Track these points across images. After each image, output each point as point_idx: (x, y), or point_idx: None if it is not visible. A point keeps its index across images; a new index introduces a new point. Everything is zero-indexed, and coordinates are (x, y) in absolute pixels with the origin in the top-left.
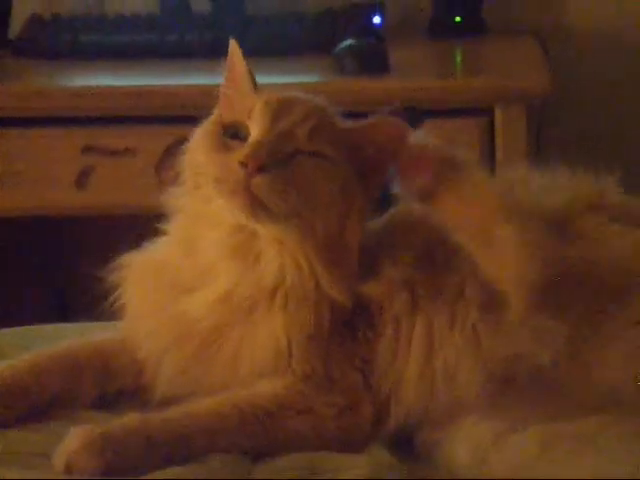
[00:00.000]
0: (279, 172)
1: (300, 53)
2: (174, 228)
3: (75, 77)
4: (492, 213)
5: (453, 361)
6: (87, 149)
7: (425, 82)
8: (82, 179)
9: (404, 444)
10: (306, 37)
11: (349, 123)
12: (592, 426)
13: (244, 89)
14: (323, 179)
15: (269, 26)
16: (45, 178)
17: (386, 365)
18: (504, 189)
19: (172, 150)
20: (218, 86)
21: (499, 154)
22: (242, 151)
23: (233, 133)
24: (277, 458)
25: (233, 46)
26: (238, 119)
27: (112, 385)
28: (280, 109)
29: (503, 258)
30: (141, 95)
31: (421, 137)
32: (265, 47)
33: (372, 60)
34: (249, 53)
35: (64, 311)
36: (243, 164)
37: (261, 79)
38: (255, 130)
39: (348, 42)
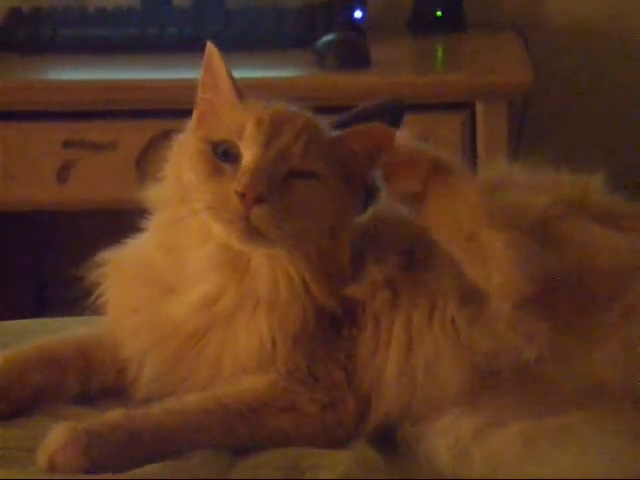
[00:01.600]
0: (276, 200)
1: (281, 47)
2: (155, 226)
3: (56, 71)
4: (477, 218)
5: (433, 356)
6: (68, 143)
7: (406, 77)
8: (63, 173)
9: (387, 439)
10: (287, 31)
11: (336, 133)
12: (575, 422)
13: (229, 99)
14: (317, 199)
15: (250, 20)
16: (26, 173)
17: (367, 361)
18: (489, 192)
19: (154, 144)
20: (198, 80)
21: (480, 149)
22: (238, 179)
23: (224, 152)
24: (258, 454)
25: (211, 49)
26: (228, 138)
27: (95, 381)
28: (272, 129)
29: (489, 266)
30: (122, 89)
31: (406, 139)
32: (246, 41)
33: (353, 55)
34: (229, 47)
35: (45, 306)
36: (241, 195)
37: (242, 74)
38: (249, 153)
39: (329, 37)
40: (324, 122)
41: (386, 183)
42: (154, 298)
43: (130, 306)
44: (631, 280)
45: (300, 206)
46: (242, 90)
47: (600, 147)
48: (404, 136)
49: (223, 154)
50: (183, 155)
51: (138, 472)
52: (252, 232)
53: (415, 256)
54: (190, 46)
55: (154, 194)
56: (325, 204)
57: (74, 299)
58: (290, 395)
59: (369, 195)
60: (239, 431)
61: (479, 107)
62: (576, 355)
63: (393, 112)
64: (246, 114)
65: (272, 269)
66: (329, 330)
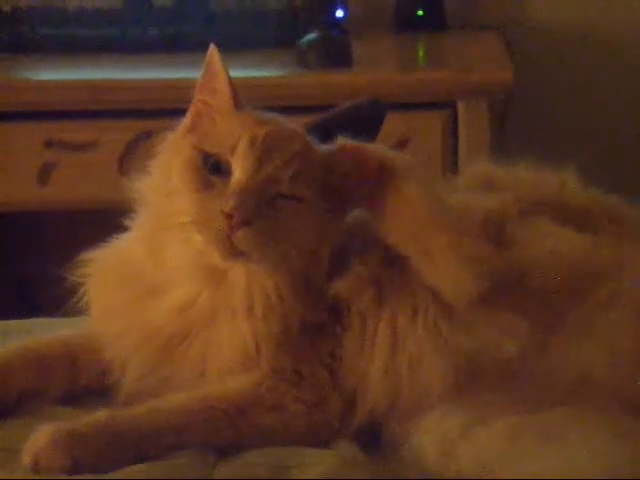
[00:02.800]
0: (262, 224)
1: (263, 47)
2: (139, 226)
3: (36, 71)
4: (426, 222)
5: (417, 355)
6: (49, 143)
7: (388, 75)
8: (44, 174)
9: (373, 438)
10: (269, 31)
11: (321, 149)
12: (559, 418)
13: (227, 106)
14: (301, 224)
15: (232, 20)
16: (7, 173)
17: (352, 360)
18: (440, 195)
19: (135, 144)
20: (180, 80)
21: (462, 148)
22: (226, 199)
23: (214, 165)
24: (243, 453)
25: (213, 52)
26: (220, 152)
27: (80, 382)
28: (265, 150)
29: (439, 269)
30: (103, 89)
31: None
32: (228, 41)
33: (335, 53)
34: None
35: (29, 307)
36: (228, 215)
37: None
38: (239, 173)
39: (311, 36)
40: (312, 141)
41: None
42: (136, 299)
43: (112, 307)
44: (598, 279)
45: (284, 229)
46: (241, 97)
47: (581, 144)
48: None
49: (213, 166)
50: (174, 158)
51: (123, 472)
52: (234, 252)
53: (399, 254)
54: (172, 46)
55: (141, 186)
56: (308, 228)
57: (58, 299)
58: (275, 394)
59: None
60: (224, 431)
61: (461, 106)
62: (558, 351)
63: (374, 111)
64: (241, 129)
65: (249, 283)
66: (313, 330)
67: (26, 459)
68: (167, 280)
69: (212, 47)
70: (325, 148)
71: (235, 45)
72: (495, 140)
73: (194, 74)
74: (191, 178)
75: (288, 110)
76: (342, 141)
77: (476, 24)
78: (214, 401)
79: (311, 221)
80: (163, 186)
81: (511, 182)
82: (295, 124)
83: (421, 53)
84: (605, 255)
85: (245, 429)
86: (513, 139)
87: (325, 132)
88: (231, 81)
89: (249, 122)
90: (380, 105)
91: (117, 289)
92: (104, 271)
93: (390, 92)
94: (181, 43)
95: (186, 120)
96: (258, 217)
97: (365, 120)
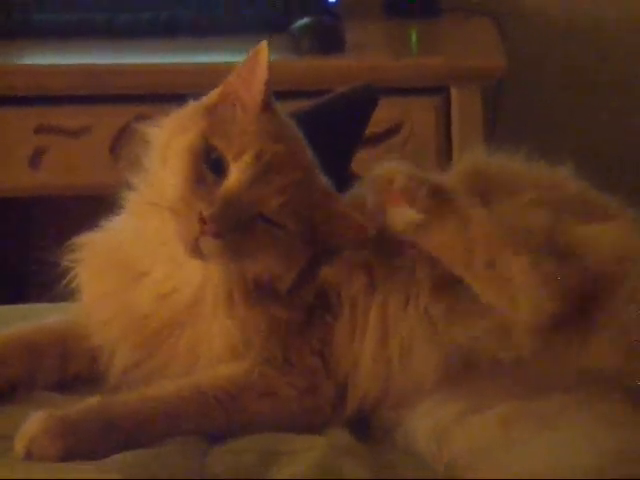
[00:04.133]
0: (232, 239)
1: (255, 32)
2: (130, 210)
3: (29, 56)
4: (492, 244)
5: (408, 341)
6: (40, 129)
7: (381, 61)
8: (36, 159)
9: (365, 425)
10: (262, 16)
11: (327, 194)
12: (554, 406)
13: (253, 107)
14: (272, 249)
15: (224, 5)
16: None
17: (343, 347)
18: (497, 217)
19: (127, 129)
20: (173, 65)
21: (455, 133)
22: (210, 202)
23: (215, 160)
24: (234, 440)
25: (263, 49)
26: (225, 150)
27: (71, 368)
28: (267, 169)
29: (512, 291)
30: (95, 74)
31: (403, 167)
32: (220, 26)
33: (328, 39)
34: (204, 32)
35: (23, 292)
36: (203, 220)
37: (217, 58)
38: (233, 181)
39: (304, 21)
40: (320, 180)
41: (387, 213)
42: (124, 285)
43: (101, 292)
44: (629, 267)
45: (253, 246)
46: (274, 101)
47: (572, 132)
48: (398, 164)
49: (213, 162)
50: (179, 134)
51: (114, 459)
52: (196, 251)
53: (390, 240)
54: (164, 31)
55: (153, 133)
56: (279, 254)
57: (47, 285)
58: (267, 380)
59: (344, 180)
60: (217, 417)
61: (454, 92)
62: (564, 344)
63: (367, 96)
64: (255, 137)
65: (202, 278)
66: (302, 317)
67: (19, 447)
68: (148, 261)
69: (264, 44)
70: (340, 200)
71: (227, 30)
72: (488, 126)
73: (187, 59)
74: (187, 166)
75: (280, 95)
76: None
77: (469, 10)
78: (206, 388)
79: (283, 249)
80: (159, 160)
81: (507, 178)
82: (308, 150)
83: (414, 38)
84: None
85: (236, 415)
86: (505, 125)
87: (318, 118)
88: (269, 83)
89: (265, 133)
90: (373, 90)
91: (107, 274)
92: (95, 256)
93: (383, 77)
94: (175, 28)
95: (209, 98)
96: (232, 232)
97: (358, 105)
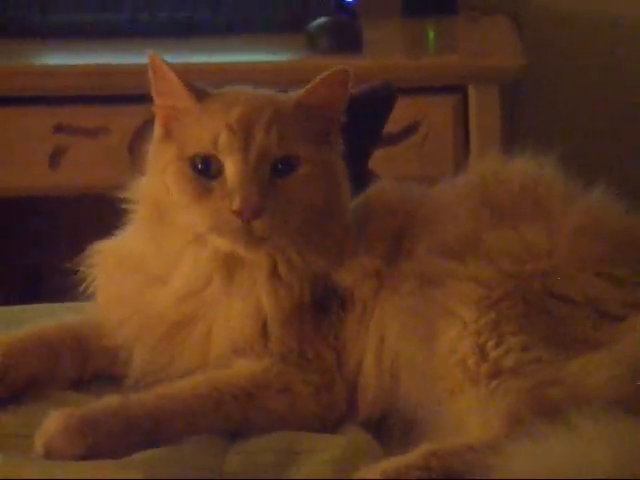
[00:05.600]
0: (272, 207)
1: (273, 31)
2: (142, 221)
3: (47, 56)
4: None
5: (398, 354)
6: (59, 128)
7: (398, 60)
8: (55, 159)
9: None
10: (279, 15)
11: (295, 95)
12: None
13: (189, 105)
14: (307, 186)
15: (241, 4)
16: (18, 158)
17: (352, 343)
18: None
19: (146, 129)
20: (191, 65)
21: (473, 132)
22: (231, 196)
23: (203, 165)
24: (252, 439)
25: (155, 58)
26: (203, 150)
27: (89, 367)
28: (245, 131)
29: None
30: (114, 73)
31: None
32: (237, 25)
33: (345, 38)
34: (221, 31)
35: (38, 294)
36: (238, 213)
37: (234, 58)
38: (230, 165)
39: (321, 20)
40: (284, 96)
41: None
42: (140, 287)
43: (117, 296)
44: None
45: (295, 200)
46: (199, 86)
47: (591, 130)
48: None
49: (203, 168)
50: (163, 170)
51: (134, 458)
52: (257, 241)
53: (401, 248)
54: (182, 30)
55: (139, 189)
56: (317, 188)
57: (65, 287)
58: (284, 377)
59: (362, 179)
60: (234, 415)
61: (471, 91)
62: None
63: (385, 94)
64: (213, 120)
65: (271, 257)
66: (318, 314)
67: (38, 445)
68: (175, 273)
69: (152, 54)
70: (294, 93)
71: (245, 29)
72: (506, 125)
73: (205, 58)
74: (190, 189)
75: None
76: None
77: (487, 8)
78: (222, 385)
79: (316, 179)
80: (163, 196)
81: (512, 201)
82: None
83: (431, 37)
84: None
85: (253, 413)
86: (523, 124)
87: None
88: (182, 78)
89: (218, 110)
90: (391, 88)
91: (121, 279)
92: (109, 262)
93: (400, 76)
94: (192, 27)
95: (157, 131)
96: (266, 202)
97: (376, 103)
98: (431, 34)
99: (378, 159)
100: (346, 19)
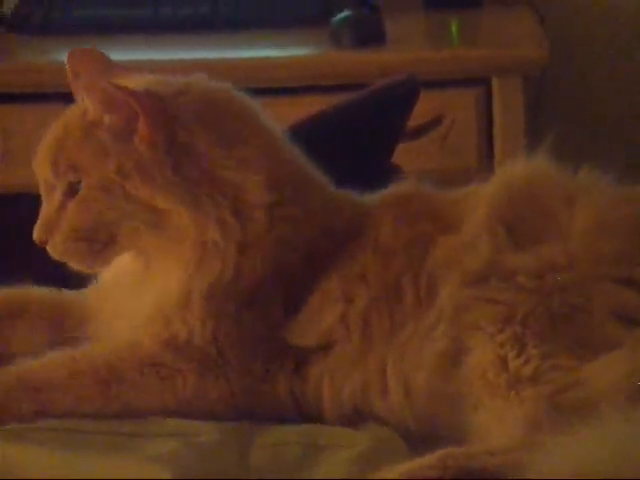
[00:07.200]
0: (55, 235)
1: (296, 26)
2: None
3: (67, 52)
4: None
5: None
6: None
7: (422, 53)
8: None
9: None
10: (302, 10)
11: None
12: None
13: None
14: (85, 206)
15: None
16: (27, 155)
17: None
18: None
19: None
20: (213, 60)
21: (497, 125)
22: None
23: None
24: (275, 430)
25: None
26: None
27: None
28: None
29: None
30: (134, 70)
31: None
32: (260, 19)
33: (368, 32)
34: (244, 26)
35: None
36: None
37: (257, 53)
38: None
39: (344, 14)
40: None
41: None
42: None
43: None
44: None
45: (76, 223)
46: None
47: (616, 122)
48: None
49: None
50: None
51: (159, 453)
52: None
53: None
54: (205, 26)
55: None
56: (93, 206)
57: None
58: (157, 355)
59: (386, 172)
60: (89, 386)
61: (495, 83)
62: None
63: (409, 88)
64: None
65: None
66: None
67: None
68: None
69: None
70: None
71: (268, 24)
72: (530, 117)
73: (227, 53)
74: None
75: (321, 89)
76: None
77: (510, 0)
78: (80, 356)
79: (96, 201)
80: None
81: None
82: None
83: (454, 30)
84: None
85: (115, 387)
86: (547, 116)
87: (360, 110)
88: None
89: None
90: (414, 82)
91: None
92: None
93: (424, 70)
94: (214, 23)
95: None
96: (48, 233)
97: (400, 97)
98: (454, 27)
99: (401, 152)
100: (369, 13)
